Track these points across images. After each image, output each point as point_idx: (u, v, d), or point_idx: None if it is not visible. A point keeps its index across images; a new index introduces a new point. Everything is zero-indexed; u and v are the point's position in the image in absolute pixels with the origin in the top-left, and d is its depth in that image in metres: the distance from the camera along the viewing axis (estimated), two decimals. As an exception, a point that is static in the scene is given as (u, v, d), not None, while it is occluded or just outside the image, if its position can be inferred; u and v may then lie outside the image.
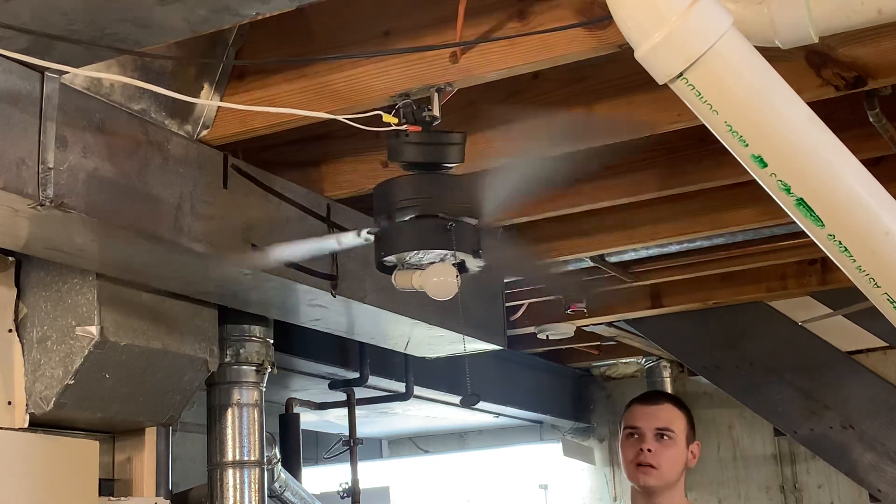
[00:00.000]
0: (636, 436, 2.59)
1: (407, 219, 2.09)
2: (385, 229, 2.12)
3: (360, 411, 4.65)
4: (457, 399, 5.06)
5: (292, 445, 4.39)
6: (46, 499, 2.58)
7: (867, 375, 5.30)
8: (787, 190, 1.73)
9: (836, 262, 1.79)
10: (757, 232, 3.73)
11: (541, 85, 2.62)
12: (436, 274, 2.11)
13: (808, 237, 1.79)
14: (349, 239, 2.22)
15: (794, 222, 1.78)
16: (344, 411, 4.61)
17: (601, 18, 1.99)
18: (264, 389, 3.25)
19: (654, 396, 2.76)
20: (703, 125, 1.78)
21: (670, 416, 2.60)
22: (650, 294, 4.79)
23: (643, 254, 3.98)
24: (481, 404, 5.56)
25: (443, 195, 2.10)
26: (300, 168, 2.89)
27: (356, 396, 4.58)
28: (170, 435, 2.98)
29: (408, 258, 2.13)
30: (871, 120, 2.57)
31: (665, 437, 2.56)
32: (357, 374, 4.34)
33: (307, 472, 4.51)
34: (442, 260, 2.12)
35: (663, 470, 2.55)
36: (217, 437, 3.14)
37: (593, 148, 2.63)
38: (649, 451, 2.54)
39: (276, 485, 3.88)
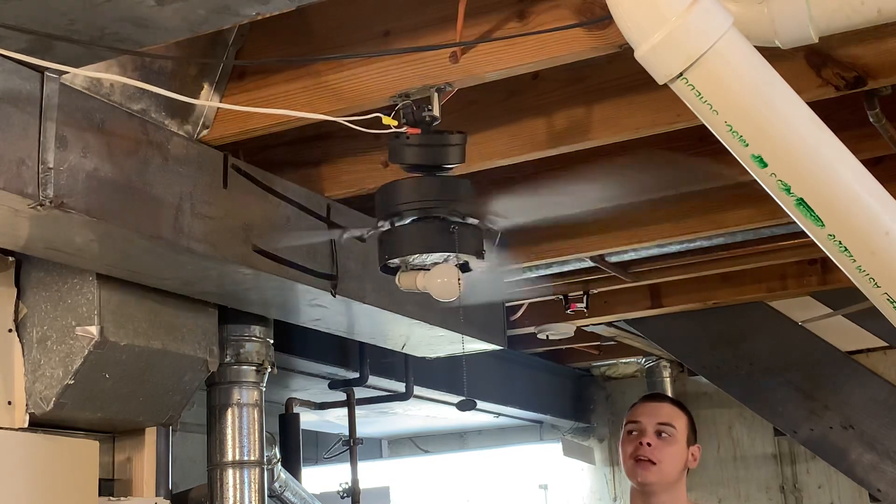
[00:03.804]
0: (636, 432, 2.57)
1: (410, 221, 2.09)
2: (388, 232, 2.12)
3: (360, 411, 4.65)
4: (457, 399, 5.06)
5: (292, 445, 4.39)
6: (46, 499, 2.58)
7: (867, 375, 5.30)
8: (787, 190, 1.73)
9: (836, 262, 1.79)
10: (757, 232, 3.73)
11: (541, 85, 2.62)
12: (439, 275, 2.11)
13: (808, 237, 1.79)
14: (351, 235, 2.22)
15: (794, 222, 1.78)
16: (344, 411, 4.61)
17: (601, 18, 1.99)
18: (264, 389, 3.25)
19: (656, 395, 2.80)
20: (703, 125, 1.78)
21: (671, 413, 2.60)
22: (650, 294, 4.79)
23: (643, 254, 3.98)
24: (481, 404, 5.56)
25: (448, 197, 2.10)
26: (300, 168, 2.89)
27: (356, 396, 4.58)
28: (170, 435, 2.98)
29: (411, 260, 2.13)
30: (871, 120, 2.57)
31: (665, 433, 2.55)
32: (357, 374, 4.35)
33: (307, 472, 4.51)
34: (445, 261, 2.12)
35: (663, 467, 2.52)
36: (217, 437, 3.14)
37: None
38: (648, 444, 2.53)
39: (276, 485, 3.88)
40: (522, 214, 2.76)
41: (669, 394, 6.06)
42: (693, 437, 2.62)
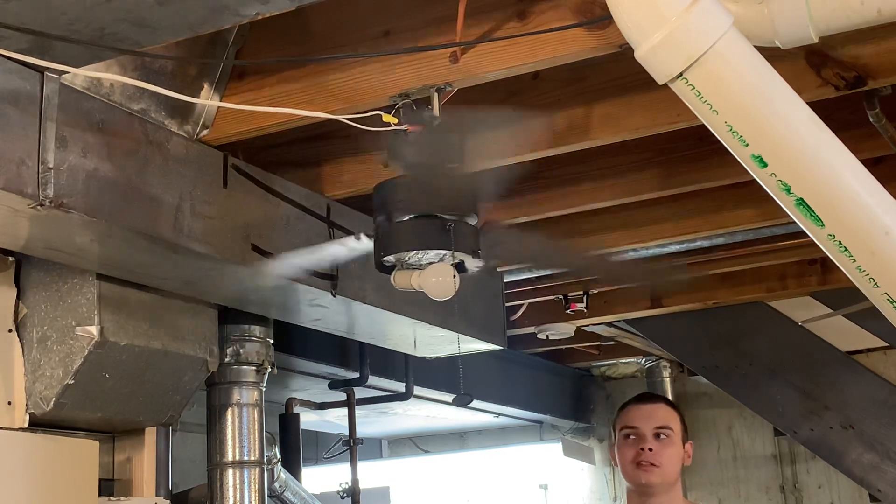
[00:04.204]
0: (634, 437, 2.57)
1: (406, 219, 2.09)
2: (384, 229, 2.12)
3: (360, 411, 4.65)
4: (457, 399, 5.07)
5: (292, 445, 4.39)
6: (46, 499, 2.58)
7: (867, 375, 5.30)
8: (787, 190, 1.73)
9: (836, 262, 1.79)
10: (757, 232, 3.73)
11: (541, 85, 2.62)
12: (434, 274, 2.11)
13: (808, 237, 1.79)
14: (351, 244, 2.23)
15: (794, 222, 1.78)
16: (344, 411, 4.61)
17: (601, 18, 1.99)
18: (264, 389, 3.25)
19: (648, 397, 2.76)
20: (703, 125, 1.78)
21: (667, 415, 2.60)
22: (650, 294, 4.79)
23: (643, 254, 3.98)
24: (481, 404, 5.56)
25: (442, 195, 2.10)
26: (300, 168, 2.89)
27: (356, 396, 4.58)
28: (170, 435, 2.98)
29: (407, 258, 2.13)
30: (871, 120, 2.57)
31: (663, 435, 2.56)
32: (357, 374, 4.35)
33: (307, 472, 4.51)
34: (441, 260, 2.12)
35: (665, 468, 2.54)
36: (217, 437, 3.14)
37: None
38: (650, 450, 2.53)
39: (276, 485, 3.88)
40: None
41: (669, 394, 6.06)
42: (686, 435, 2.63)
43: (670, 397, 5.98)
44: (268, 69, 2.38)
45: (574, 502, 6.70)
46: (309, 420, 4.91)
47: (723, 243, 3.90)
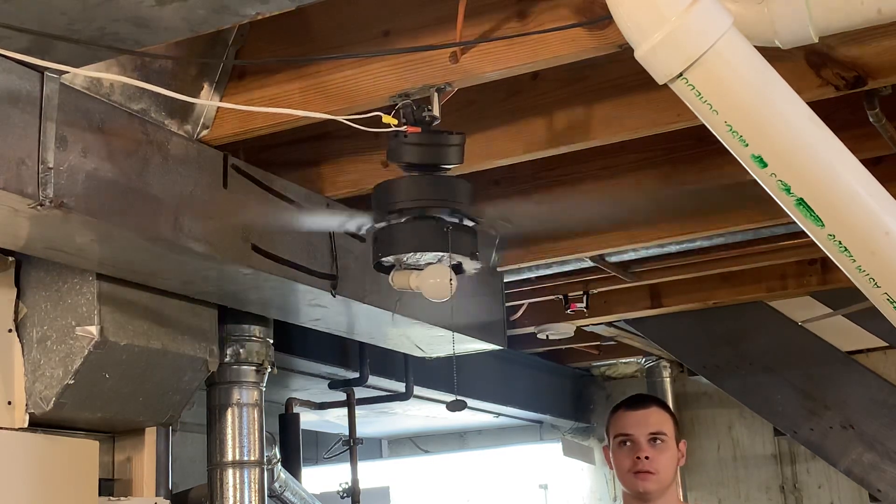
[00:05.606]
0: (629, 443, 2.56)
1: (405, 220, 2.10)
2: (383, 230, 2.13)
3: (359, 411, 4.65)
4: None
5: (292, 445, 4.39)
6: (46, 499, 2.58)
7: (867, 375, 5.31)
8: (787, 190, 1.73)
9: (836, 262, 1.79)
10: (757, 232, 3.73)
11: (541, 85, 2.62)
12: (432, 275, 2.11)
13: (808, 237, 1.79)
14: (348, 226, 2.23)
15: (794, 222, 1.78)
16: (344, 411, 4.61)
17: (601, 18, 1.99)
18: (264, 389, 3.25)
19: (640, 400, 2.71)
20: (703, 125, 1.78)
21: (660, 420, 2.58)
22: (650, 294, 4.79)
23: (643, 254, 3.98)
24: (481, 404, 5.56)
25: (442, 197, 2.11)
26: (300, 168, 2.89)
27: (356, 396, 4.58)
28: (170, 435, 2.98)
29: (405, 259, 2.14)
30: (871, 120, 2.57)
31: (658, 440, 2.55)
32: (357, 374, 4.35)
33: (307, 472, 4.51)
34: (439, 261, 2.12)
35: (661, 474, 2.53)
36: (217, 437, 3.14)
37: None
38: (647, 458, 2.52)
39: (276, 485, 3.88)
40: (525, 221, 2.76)
41: (669, 394, 6.06)
42: (679, 433, 2.62)
43: (670, 397, 6.00)
44: (268, 69, 2.38)
45: (574, 502, 6.70)
46: (309, 420, 4.92)
47: (723, 243, 3.90)
